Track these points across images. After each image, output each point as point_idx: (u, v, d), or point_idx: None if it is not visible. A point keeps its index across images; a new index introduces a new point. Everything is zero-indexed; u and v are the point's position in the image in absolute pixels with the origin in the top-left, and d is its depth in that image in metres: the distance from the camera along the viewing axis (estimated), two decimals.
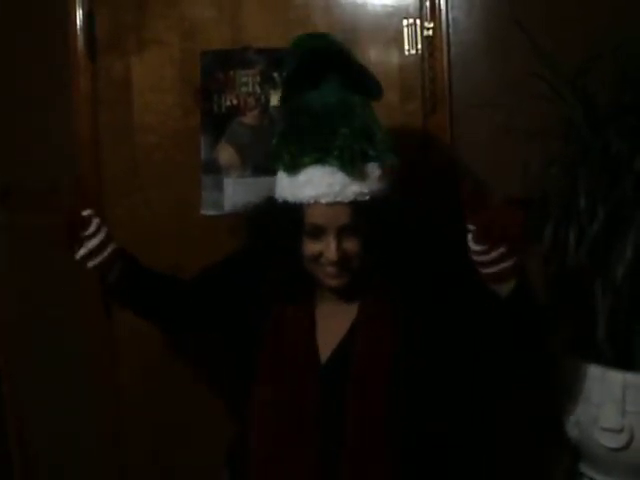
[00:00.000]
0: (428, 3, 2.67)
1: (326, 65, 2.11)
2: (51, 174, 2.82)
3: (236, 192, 2.82)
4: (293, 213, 2.09)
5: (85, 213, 2.25)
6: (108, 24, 2.85)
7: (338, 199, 2.05)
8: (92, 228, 2.24)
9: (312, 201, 2.06)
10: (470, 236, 1.91)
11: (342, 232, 2.07)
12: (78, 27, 2.83)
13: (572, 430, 2.35)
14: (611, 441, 2.24)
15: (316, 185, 2.05)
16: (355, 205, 2.06)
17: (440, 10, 2.67)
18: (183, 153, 2.86)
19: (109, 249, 2.28)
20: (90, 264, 2.27)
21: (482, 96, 2.65)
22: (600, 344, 2.28)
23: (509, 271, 1.91)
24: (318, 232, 2.08)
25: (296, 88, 2.13)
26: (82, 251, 2.24)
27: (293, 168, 2.08)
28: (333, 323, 2.17)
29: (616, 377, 2.23)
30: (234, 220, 2.61)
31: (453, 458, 2.12)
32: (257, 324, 2.20)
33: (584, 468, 2.38)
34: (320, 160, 2.05)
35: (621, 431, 2.22)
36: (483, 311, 2.00)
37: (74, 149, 2.88)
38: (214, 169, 2.84)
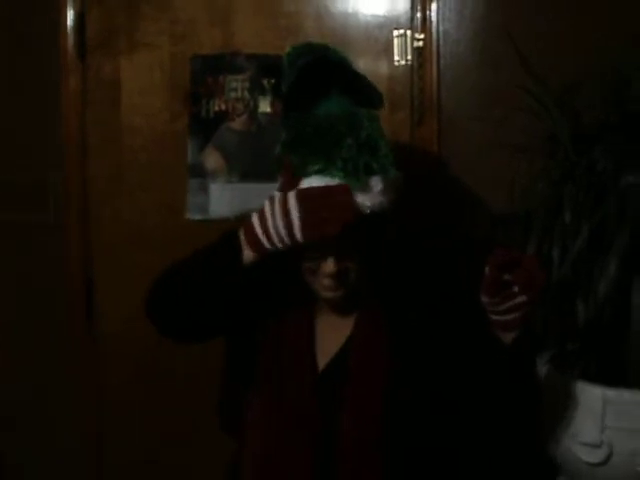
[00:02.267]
0: (419, 14, 2.69)
1: (327, 75, 2.08)
2: (37, 173, 2.82)
3: (222, 197, 2.82)
4: None
5: None
6: (99, 25, 2.85)
7: None
8: None
9: None
10: (485, 283, 1.88)
11: (341, 245, 2.04)
12: (69, 27, 2.84)
13: (551, 444, 2.36)
14: (590, 456, 2.25)
15: None
16: (356, 218, 2.04)
17: (431, 22, 2.68)
18: (170, 156, 2.86)
19: None
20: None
21: (470, 108, 2.67)
22: (582, 359, 2.30)
23: (519, 320, 1.90)
24: (317, 244, 2.03)
25: (299, 99, 2.10)
26: None
27: (296, 178, 2.05)
28: (331, 334, 2.15)
29: (596, 392, 2.24)
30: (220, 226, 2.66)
31: (448, 472, 2.11)
32: (256, 328, 2.19)
33: None
34: (323, 170, 2.00)
35: (600, 446, 2.23)
36: (477, 331, 2.02)
37: (61, 148, 2.87)
38: (200, 173, 2.84)
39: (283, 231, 1.94)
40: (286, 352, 2.14)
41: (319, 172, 2.01)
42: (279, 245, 1.95)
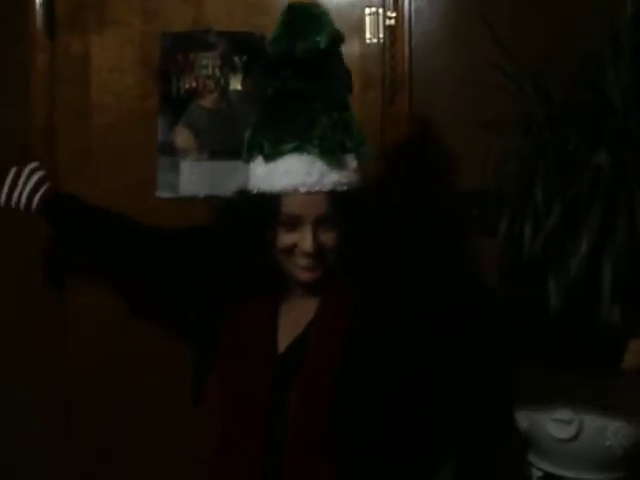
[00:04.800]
0: None
1: (309, 24, 2.09)
2: (4, 151, 2.79)
3: (192, 175, 2.81)
4: (269, 203, 2.07)
5: None
6: (68, 2, 2.81)
7: (316, 188, 2.04)
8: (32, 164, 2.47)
9: (290, 190, 2.05)
10: None
11: (319, 223, 2.06)
12: (37, 3, 2.79)
13: (522, 420, 2.38)
14: (561, 432, 2.27)
15: (294, 174, 2.04)
16: (333, 195, 2.06)
17: (403, 0, 2.67)
18: (140, 134, 2.84)
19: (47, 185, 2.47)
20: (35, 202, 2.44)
21: (442, 87, 2.67)
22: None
23: None
24: (294, 223, 2.06)
25: (273, 76, 2.11)
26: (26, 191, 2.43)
27: (272, 156, 2.06)
28: (295, 316, 2.16)
29: (569, 373, 2.26)
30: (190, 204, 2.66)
31: (397, 459, 2.10)
32: (217, 309, 2.19)
33: (533, 458, 2.41)
34: (299, 148, 2.04)
35: (571, 422, 2.25)
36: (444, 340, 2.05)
37: (29, 126, 2.84)
38: (171, 151, 2.82)
39: None
40: (247, 334, 2.15)
41: (295, 150, 2.03)
42: None
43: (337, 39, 2.12)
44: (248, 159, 2.15)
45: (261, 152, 2.10)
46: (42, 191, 2.43)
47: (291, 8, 2.12)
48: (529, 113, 2.37)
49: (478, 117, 2.51)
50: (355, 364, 2.05)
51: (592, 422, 2.26)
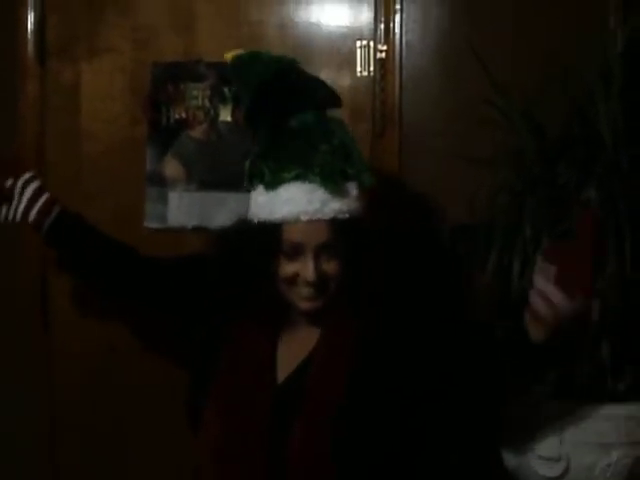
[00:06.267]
0: (382, 26, 2.69)
1: (296, 90, 2.13)
2: None
3: (181, 206, 2.80)
4: (270, 232, 2.06)
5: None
6: (59, 29, 2.82)
7: (318, 216, 2.03)
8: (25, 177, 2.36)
9: (291, 218, 2.04)
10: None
11: (320, 252, 2.05)
12: (29, 30, 2.80)
13: (509, 460, 2.35)
14: (548, 470, 2.25)
15: (296, 202, 2.03)
16: (334, 223, 2.05)
17: (394, 33, 2.68)
18: (129, 164, 2.83)
19: (44, 197, 2.37)
20: (32, 217, 2.36)
21: (433, 121, 2.67)
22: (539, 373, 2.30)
23: (561, 319, 1.90)
24: (296, 252, 2.05)
25: (269, 113, 2.12)
26: (21, 206, 2.34)
27: (272, 184, 2.06)
28: (295, 348, 2.14)
29: (554, 406, 2.24)
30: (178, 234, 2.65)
31: None
32: (217, 338, 2.17)
33: None
34: (300, 176, 2.04)
35: (558, 460, 2.23)
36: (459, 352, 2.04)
37: (19, 153, 2.82)
38: (159, 181, 2.81)
39: None
40: (246, 363, 2.13)
41: (296, 178, 2.04)
42: None
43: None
44: (249, 188, 2.15)
45: (262, 181, 2.09)
46: (39, 205, 2.37)
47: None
48: (520, 148, 2.37)
49: (468, 151, 2.50)
50: (358, 400, 2.03)
51: (580, 459, 2.24)
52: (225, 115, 2.79)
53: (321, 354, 2.10)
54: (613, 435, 2.23)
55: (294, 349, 2.14)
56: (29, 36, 2.80)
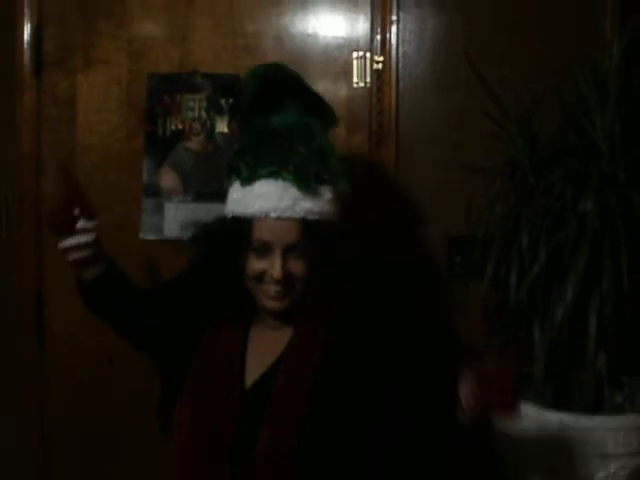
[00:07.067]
0: (379, 37, 2.69)
1: (284, 91, 2.14)
2: None
3: (177, 217, 2.79)
4: (241, 228, 2.08)
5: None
6: (56, 41, 2.82)
7: (287, 214, 2.04)
8: (90, 224, 2.16)
9: (262, 214, 2.05)
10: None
11: (288, 251, 2.06)
12: (25, 42, 2.80)
13: (507, 470, 2.35)
14: None
15: (268, 198, 2.04)
16: (304, 224, 2.06)
17: (390, 44, 2.68)
18: (125, 175, 2.83)
19: (95, 248, 2.19)
20: (72, 257, 2.18)
21: (429, 131, 2.67)
22: (538, 384, 2.29)
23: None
24: (264, 249, 2.06)
25: (255, 111, 2.15)
26: (71, 241, 2.18)
27: (248, 180, 2.07)
28: (265, 348, 2.14)
29: (553, 417, 2.23)
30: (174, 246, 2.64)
31: None
32: (191, 342, 2.17)
33: None
34: (275, 174, 2.05)
35: (557, 471, 2.23)
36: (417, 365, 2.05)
37: (16, 165, 2.83)
38: (155, 193, 2.81)
39: None
40: (215, 366, 2.13)
41: (271, 175, 2.06)
42: None
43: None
44: (227, 184, 2.16)
45: (239, 176, 2.10)
46: (79, 256, 2.17)
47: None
48: (515, 157, 2.37)
49: (464, 161, 2.50)
50: (323, 405, 2.03)
51: (578, 471, 2.23)
52: (221, 126, 2.79)
53: (289, 359, 2.11)
54: (611, 446, 2.23)
55: (263, 352, 2.14)
56: (25, 47, 2.80)
